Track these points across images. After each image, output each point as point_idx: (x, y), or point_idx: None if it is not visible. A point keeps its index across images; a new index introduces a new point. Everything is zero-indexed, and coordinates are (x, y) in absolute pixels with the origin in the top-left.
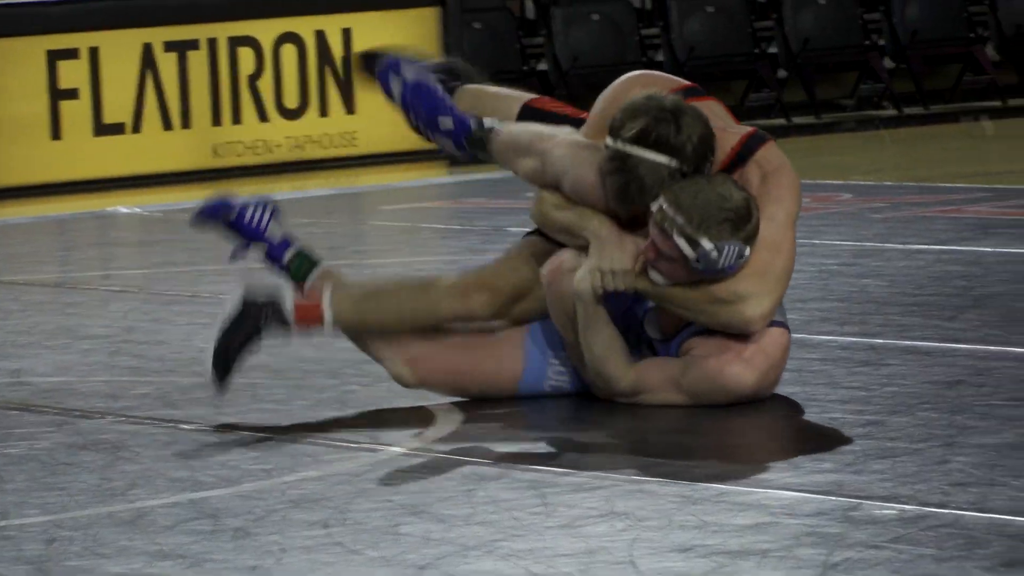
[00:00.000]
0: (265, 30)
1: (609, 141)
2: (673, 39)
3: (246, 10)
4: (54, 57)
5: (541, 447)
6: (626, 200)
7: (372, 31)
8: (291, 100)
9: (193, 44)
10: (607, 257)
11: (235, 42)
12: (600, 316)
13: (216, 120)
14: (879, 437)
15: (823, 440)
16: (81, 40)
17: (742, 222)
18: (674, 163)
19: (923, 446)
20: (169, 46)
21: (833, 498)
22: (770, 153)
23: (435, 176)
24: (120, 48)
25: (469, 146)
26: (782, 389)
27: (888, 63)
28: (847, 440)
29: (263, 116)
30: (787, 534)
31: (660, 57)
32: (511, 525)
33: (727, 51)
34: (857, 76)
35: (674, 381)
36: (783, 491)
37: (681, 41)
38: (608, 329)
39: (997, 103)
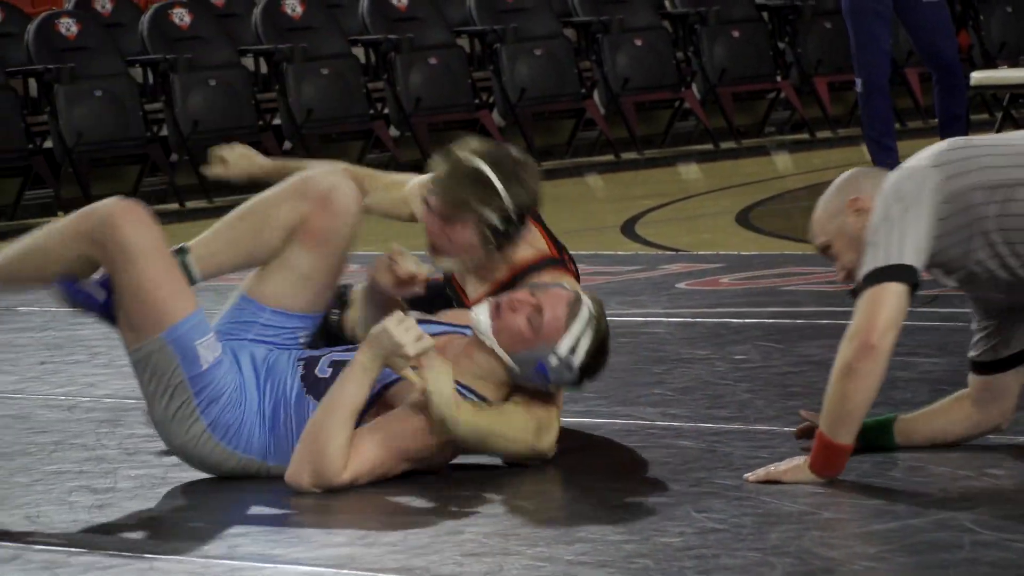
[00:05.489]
0: None
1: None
2: (176, 113)
3: None
4: None
5: (61, 524)
6: (434, 188)
7: None
8: None
9: None
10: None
11: None
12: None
13: None
14: (392, 512)
15: (335, 514)
16: None
17: (599, 362)
18: (500, 187)
19: (436, 517)
20: None
21: (346, 571)
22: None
23: None
24: None
25: None
26: None
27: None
28: (360, 513)
29: None
30: None
31: (164, 131)
32: None
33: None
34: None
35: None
36: (294, 566)
37: (185, 114)
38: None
39: None
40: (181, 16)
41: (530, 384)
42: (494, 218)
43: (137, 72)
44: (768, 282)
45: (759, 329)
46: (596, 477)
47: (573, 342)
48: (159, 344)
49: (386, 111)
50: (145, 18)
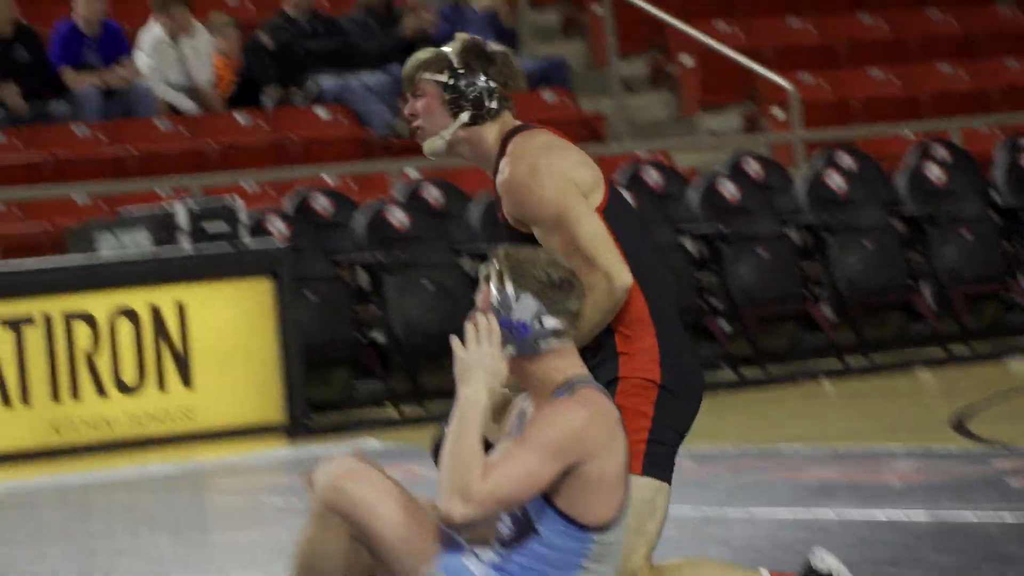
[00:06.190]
0: (99, 304)
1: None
2: None
3: (79, 283)
4: None
5: None
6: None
7: (206, 303)
8: (129, 375)
9: (27, 319)
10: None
11: (70, 316)
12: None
13: (55, 396)
14: None
15: None
16: None
17: (554, 287)
18: (448, 52)
19: None
20: (3, 322)
21: None
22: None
23: (274, 449)
24: None
25: None
26: None
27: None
28: None
29: (102, 391)
30: None
31: None
32: None
33: None
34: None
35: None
36: None
37: None
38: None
39: (837, 364)
40: None
41: (541, 348)
42: (443, 76)
43: (465, 262)
44: None
45: None
46: None
47: (501, 294)
48: None
49: (716, 303)
50: (474, 207)
